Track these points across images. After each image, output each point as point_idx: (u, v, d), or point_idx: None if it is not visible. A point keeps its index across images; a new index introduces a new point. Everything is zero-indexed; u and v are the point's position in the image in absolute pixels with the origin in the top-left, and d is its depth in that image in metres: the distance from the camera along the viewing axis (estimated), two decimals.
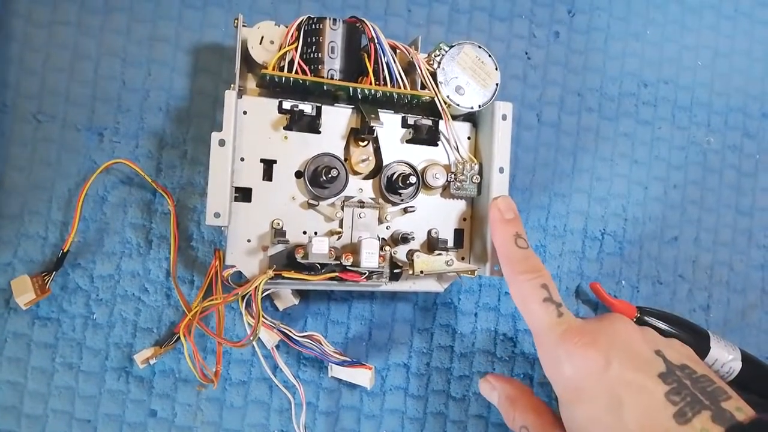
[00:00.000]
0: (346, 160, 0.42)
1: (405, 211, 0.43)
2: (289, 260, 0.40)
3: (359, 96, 0.41)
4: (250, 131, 0.40)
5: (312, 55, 0.40)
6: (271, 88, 0.41)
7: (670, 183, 0.56)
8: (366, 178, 0.42)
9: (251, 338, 0.39)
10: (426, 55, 0.42)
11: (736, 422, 0.31)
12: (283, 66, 0.40)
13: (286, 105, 0.40)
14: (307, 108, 0.40)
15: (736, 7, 0.59)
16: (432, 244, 0.43)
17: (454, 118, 0.44)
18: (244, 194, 0.40)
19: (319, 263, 0.39)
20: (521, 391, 0.40)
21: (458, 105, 0.42)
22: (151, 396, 0.44)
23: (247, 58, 0.40)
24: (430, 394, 0.49)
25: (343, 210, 0.41)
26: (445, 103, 0.42)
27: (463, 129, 0.44)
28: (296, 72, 0.40)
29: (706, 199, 0.56)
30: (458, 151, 0.44)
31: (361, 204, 0.42)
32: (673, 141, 0.56)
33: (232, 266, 0.40)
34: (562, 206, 0.53)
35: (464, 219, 0.44)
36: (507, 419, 0.39)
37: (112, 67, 0.45)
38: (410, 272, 0.41)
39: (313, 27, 0.40)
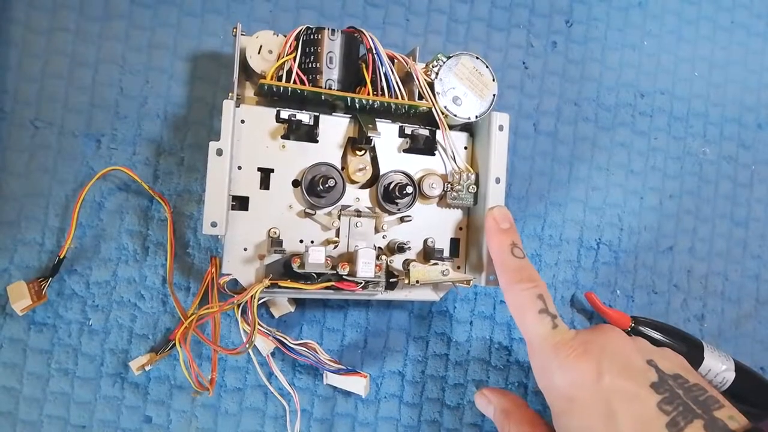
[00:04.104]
0: (343, 169, 0.42)
1: (401, 220, 0.43)
2: (286, 269, 0.40)
3: (357, 106, 0.41)
4: (248, 140, 0.40)
5: (310, 65, 0.40)
6: (269, 97, 0.41)
7: (665, 193, 0.56)
8: (363, 187, 0.43)
9: (247, 346, 0.39)
10: (424, 65, 0.43)
11: (728, 431, 0.31)
12: (282, 75, 0.40)
13: (284, 114, 0.40)
14: (304, 117, 0.40)
15: (732, 18, 0.59)
16: (428, 254, 0.43)
17: (451, 127, 0.44)
18: (241, 203, 0.40)
19: (315, 272, 0.39)
20: (516, 404, 0.40)
21: (455, 115, 0.42)
22: (146, 402, 0.44)
23: (245, 66, 0.41)
24: (425, 402, 0.49)
25: (339, 219, 0.41)
26: (443, 113, 0.42)
27: (460, 139, 0.45)
28: (294, 82, 0.40)
29: (701, 210, 0.57)
30: (455, 161, 0.44)
31: (358, 213, 0.42)
32: (669, 151, 0.56)
33: (229, 274, 0.40)
34: (557, 215, 0.53)
35: (460, 228, 0.45)
36: None
37: (110, 74, 0.45)
38: (406, 282, 0.41)
39: (312, 37, 0.40)
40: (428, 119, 0.43)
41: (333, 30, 0.41)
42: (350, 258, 0.41)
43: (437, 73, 0.42)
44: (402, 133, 0.43)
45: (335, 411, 0.47)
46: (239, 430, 0.45)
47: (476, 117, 0.43)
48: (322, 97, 0.40)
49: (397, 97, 0.41)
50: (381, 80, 0.41)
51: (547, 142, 0.53)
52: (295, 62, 0.40)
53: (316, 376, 0.47)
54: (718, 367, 0.50)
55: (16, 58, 0.44)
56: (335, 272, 0.39)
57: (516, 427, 0.39)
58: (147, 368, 0.43)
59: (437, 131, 0.43)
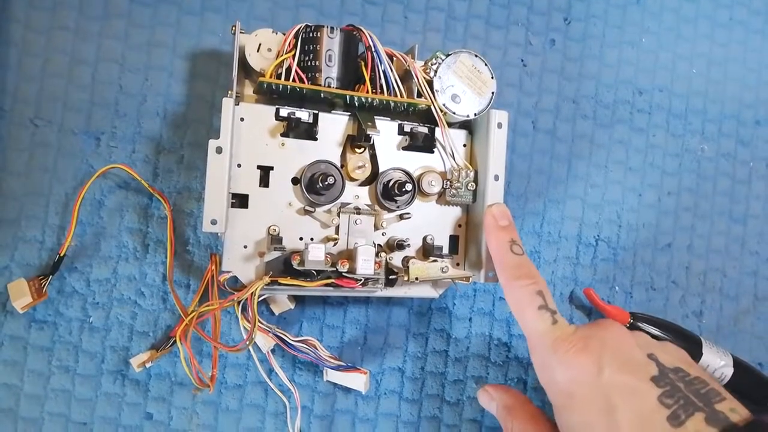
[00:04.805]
0: (342, 166, 0.42)
1: (401, 217, 0.43)
2: (286, 266, 0.40)
3: (356, 103, 0.41)
4: (248, 138, 0.40)
5: (309, 63, 0.40)
6: (269, 95, 0.41)
7: (664, 190, 0.56)
8: (362, 184, 0.43)
9: (247, 343, 0.39)
10: (422, 63, 0.43)
11: (730, 423, 0.31)
12: (281, 73, 0.40)
13: (283, 112, 0.40)
14: (304, 115, 0.40)
15: (731, 16, 0.59)
16: (427, 251, 0.43)
17: (450, 125, 0.44)
18: (240, 200, 0.40)
19: (315, 270, 0.39)
20: (519, 400, 0.40)
21: (454, 113, 0.42)
22: (146, 399, 0.44)
23: (244, 64, 0.41)
24: (425, 398, 0.49)
25: (339, 216, 0.42)
26: (441, 111, 0.42)
27: (459, 136, 0.45)
28: (293, 80, 0.40)
29: (699, 207, 0.57)
30: (454, 159, 0.44)
31: (357, 210, 0.42)
32: (668, 148, 0.56)
33: (229, 271, 0.40)
34: (556, 212, 0.53)
35: (459, 225, 0.45)
36: (505, 428, 0.40)
37: (109, 73, 0.45)
38: (405, 279, 0.41)
39: (311, 35, 0.40)
40: (427, 117, 0.43)
41: (332, 28, 0.41)
42: (350, 255, 0.41)
43: (436, 71, 0.42)
44: (401, 131, 0.43)
45: (335, 407, 0.47)
46: (240, 427, 0.46)
47: (475, 114, 0.43)
48: (321, 95, 0.40)
49: (396, 95, 0.41)
50: (380, 78, 0.41)
51: (546, 139, 0.54)
52: (294, 60, 0.40)
53: (316, 373, 0.47)
54: (717, 362, 0.50)
55: (15, 57, 0.44)
56: (335, 269, 0.39)
57: (519, 423, 0.39)
58: (148, 365, 0.43)
59: (436, 129, 0.43)
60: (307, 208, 0.41)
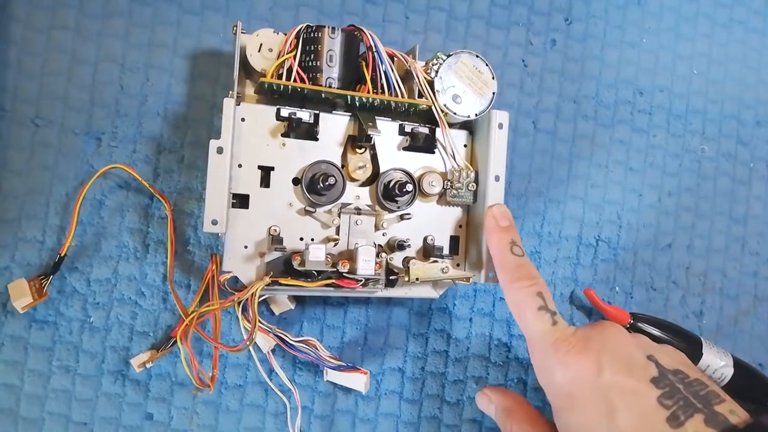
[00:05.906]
0: (343, 167, 0.42)
1: (401, 218, 0.43)
2: (286, 267, 0.40)
3: (357, 104, 0.41)
4: (248, 138, 0.40)
5: (310, 63, 0.40)
6: (270, 95, 0.41)
7: (664, 190, 0.56)
8: (363, 185, 0.43)
9: (248, 343, 0.39)
10: (423, 64, 0.43)
11: (729, 425, 0.31)
12: (282, 74, 0.40)
13: (284, 112, 0.40)
14: (305, 115, 0.40)
15: (731, 15, 0.59)
16: (428, 251, 0.43)
17: (451, 125, 0.44)
18: (241, 201, 0.40)
19: (315, 270, 0.39)
20: (517, 402, 0.40)
21: (455, 113, 0.42)
22: (147, 399, 0.44)
23: (245, 65, 0.41)
24: (425, 399, 0.49)
25: (339, 217, 0.42)
26: (442, 111, 0.42)
27: (460, 137, 0.45)
28: (294, 80, 0.40)
29: (700, 207, 0.57)
30: (454, 159, 0.44)
31: (358, 211, 0.42)
32: (668, 148, 0.56)
33: (229, 272, 0.40)
34: (557, 213, 0.53)
35: (460, 226, 0.45)
36: (504, 431, 0.40)
37: (110, 72, 0.45)
38: (406, 279, 0.41)
39: (312, 35, 0.40)
40: (428, 117, 0.43)
41: (333, 28, 0.41)
42: (350, 256, 0.41)
43: (437, 71, 0.42)
44: (402, 131, 0.43)
45: (335, 407, 0.47)
46: (240, 427, 0.46)
47: (476, 115, 0.43)
48: (323, 95, 0.40)
49: (397, 95, 0.41)
50: (381, 78, 0.41)
51: (547, 139, 0.54)
52: (295, 60, 0.40)
53: (316, 373, 0.47)
54: (717, 363, 0.50)
55: (16, 56, 0.44)
56: (335, 270, 0.39)
57: (518, 425, 0.39)
58: (148, 365, 0.43)
59: (437, 129, 0.43)
60: (308, 208, 0.41)
